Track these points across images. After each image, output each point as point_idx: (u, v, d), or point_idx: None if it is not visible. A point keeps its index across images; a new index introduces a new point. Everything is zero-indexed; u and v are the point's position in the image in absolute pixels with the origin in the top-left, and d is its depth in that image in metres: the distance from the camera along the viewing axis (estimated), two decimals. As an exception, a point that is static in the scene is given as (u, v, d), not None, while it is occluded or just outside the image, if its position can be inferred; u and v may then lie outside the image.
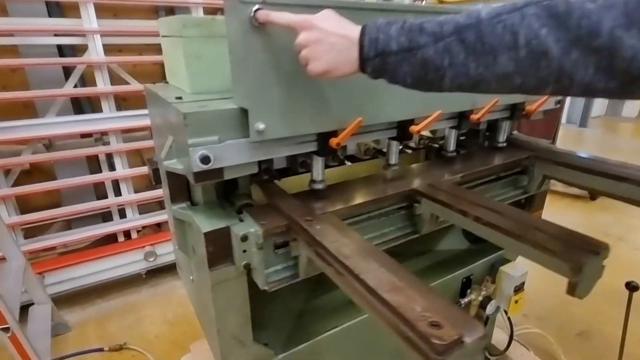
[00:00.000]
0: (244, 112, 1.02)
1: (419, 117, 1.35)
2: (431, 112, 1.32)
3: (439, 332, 0.66)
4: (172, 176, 1.17)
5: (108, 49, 2.90)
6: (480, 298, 1.89)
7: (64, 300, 3.09)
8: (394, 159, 1.44)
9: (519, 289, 1.99)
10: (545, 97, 1.64)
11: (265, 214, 1.15)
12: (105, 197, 3.22)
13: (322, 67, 0.88)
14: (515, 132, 2.06)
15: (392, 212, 1.38)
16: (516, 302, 2.03)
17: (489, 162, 1.63)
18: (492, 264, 2.00)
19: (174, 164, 1.13)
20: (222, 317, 1.16)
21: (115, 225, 3.22)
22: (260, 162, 1.12)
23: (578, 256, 0.94)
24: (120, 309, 3.11)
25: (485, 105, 1.47)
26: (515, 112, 1.65)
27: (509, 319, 2.22)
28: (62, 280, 3.04)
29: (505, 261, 2.01)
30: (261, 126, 0.99)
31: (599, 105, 9.38)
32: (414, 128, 1.29)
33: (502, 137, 1.78)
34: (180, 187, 1.20)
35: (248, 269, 1.09)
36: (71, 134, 2.93)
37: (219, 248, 1.09)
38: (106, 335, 2.84)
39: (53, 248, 3.25)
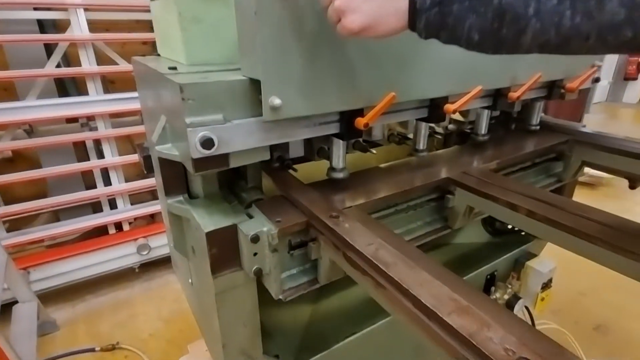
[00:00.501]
0: (255, 85, 0.82)
1: (453, 95, 1.16)
2: (468, 88, 1.13)
3: (531, 372, 0.49)
4: (166, 164, 0.97)
5: (94, 26, 2.66)
6: (507, 297, 1.73)
7: (51, 297, 2.90)
8: (422, 143, 1.25)
9: (546, 285, 1.84)
10: (588, 73, 1.45)
11: (279, 209, 0.96)
12: (95, 186, 3.00)
13: (360, 21, 0.68)
14: (542, 114, 1.88)
15: (421, 204, 1.21)
16: (542, 299, 1.88)
17: (524, 147, 1.45)
18: (516, 259, 1.85)
19: (169, 150, 0.93)
20: (228, 330, 0.99)
21: (105, 217, 3.02)
22: (272, 148, 0.93)
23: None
24: (112, 305, 2.92)
25: (525, 82, 1.28)
26: (553, 90, 1.47)
27: (531, 316, 2.07)
28: (49, 276, 2.84)
29: (530, 255, 1.86)
30: (277, 101, 0.80)
31: (601, 91, 9.23)
32: (449, 107, 1.10)
33: (535, 119, 1.59)
34: (175, 177, 1.00)
35: (259, 275, 0.91)
36: (54, 119, 2.69)
37: (225, 250, 0.90)
38: (97, 334, 2.66)
39: (40, 241, 3.05)
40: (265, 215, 0.92)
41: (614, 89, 9.65)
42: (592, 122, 7.90)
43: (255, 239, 0.86)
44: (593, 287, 2.99)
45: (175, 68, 0.92)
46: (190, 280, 1.21)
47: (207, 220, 0.91)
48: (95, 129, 2.84)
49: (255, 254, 0.89)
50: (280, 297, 0.93)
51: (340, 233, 0.80)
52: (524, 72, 1.28)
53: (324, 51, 0.84)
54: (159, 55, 1.33)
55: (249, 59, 0.82)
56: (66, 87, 3.02)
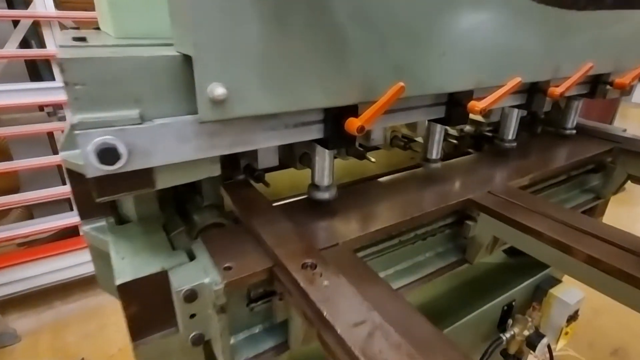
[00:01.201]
0: (190, 65, 0.53)
1: (479, 90, 0.86)
2: (500, 81, 0.84)
3: None
4: (79, 177, 0.68)
5: (61, 3, 2.36)
6: (527, 332, 1.45)
7: (15, 303, 2.64)
8: (435, 151, 0.96)
9: (572, 318, 1.56)
10: (644, 66, 1.16)
11: (235, 247, 0.67)
12: (69, 181, 2.72)
13: None
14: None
15: (432, 232, 0.92)
16: (566, 333, 1.61)
17: (560, 157, 1.16)
18: (537, 285, 1.56)
19: (75, 158, 0.64)
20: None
21: (79, 215, 2.74)
22: (236, 155, 0.64)
23: None
24: (81, 314, 2.66)
25: (568, 75, 0.99)
26: (598, 86, 1.17)
27: (550, 353, 1.79)
28: (14, 280, 2.57)
29: (554, 281, 1.57)
30: (219, 91, 0.50)
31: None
32: (476, 105, 0.81)
33: (571, 122, 1.30)
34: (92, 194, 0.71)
35: (199, 343, 0.63)
36: (18, 106, 2.40)
37: (151, 307, 0.62)
38: (62, 347, 2.40)
39: (11, 239, 2.78)
40: (211, 256, 0.63)
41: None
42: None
43: (190, 297, 0.58)
44: (608, 304, 2.72)
45: (83, 39, 0.63)
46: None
47: (125, 264, 0.62)
48: (64, 118, 2.55)
49: (192, 316, 0.60)
50: (233, 372, 0.65)
51: (314, 300, 0.51)
52: (568, 63, 0.99)
53: (298, 16, 0.55)
54: (98, 29, 1.03)
55: (179, 24, 0.52)
56: (39, 71, 2.71)
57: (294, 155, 0.86)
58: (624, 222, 3.84)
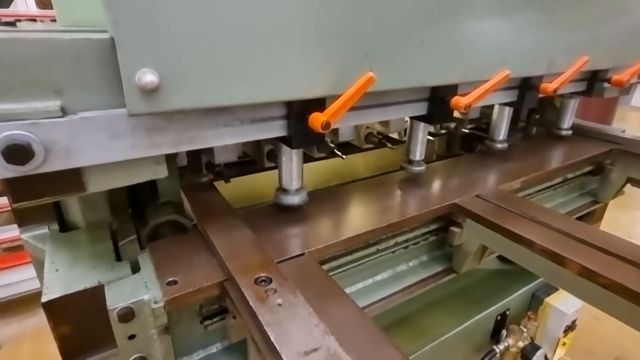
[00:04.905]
0: (119, 49, 0.46)
1: (464, 85, 0.79)
2: (488, 75, 0.77)
3: None
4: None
5: (45, 1, 2.30)
6: (522, 344, 1.37)
7: (-1, 309, 2.56)
8: (419, 152, 0.88)
9: (569, 328, 1.49)
10: (642, 62, 1.09)
11: (184, 257, 0.59)
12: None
13: None
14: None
15: (415, 239, 0.84)
16: (564, 344, 1.53)
17: (554, 159, 1.08)
18: (533, 294, 1.49)
19: None
20: None
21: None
22: (194, 153, 0.56)
23: None
24: (64, 321, 2.57)
25: (564, 71, 0.92)
26: (595, 83, 1.10)
27: (547, 360, 1.72)
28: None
29: (550, 289, 1.50)
30: (148, 78, 0.43)
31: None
32: (460, 100, 0.73)
33: (567, 122, 1.23)
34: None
35: (144, 367, 0.55)
36: None
37: (85, 326, 0.54)
38: (43, 355, 2.32)
39: (-2, 244, 2.70)
40: (155, 269, 0.56)
41: (621, 93, 9.29)
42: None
43: (126, 316, 0.50)
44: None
45: (13, 24, 0.56)
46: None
47: (56, 278, 0.54)
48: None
49: (131, 337, 0.53)
50: (182, 401, 0.57)
51: (262, 322, 0.44)
52: (563, 57, 0.91)
53: (246, -7, 0.47)
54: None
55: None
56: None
57: (261, 151, 0.79)
58: (625, 227, 3.78)
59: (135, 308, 0.51)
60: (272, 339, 0.42)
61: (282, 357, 0.40)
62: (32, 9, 2.22)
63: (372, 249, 0.77)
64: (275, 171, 0.79)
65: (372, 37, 0.60)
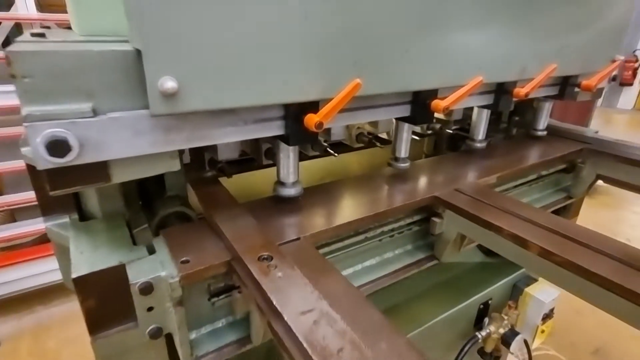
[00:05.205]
0: (142, 59, 0.54)
1: (444, 90, 0.88)
2: (464, 81, 0.86)
3: None
4: (37, 173, 0.68)
5: (44, 4, 2.36)
6: (502, 330, 1.47)
7: (-5, 308, 2.60)
8: (404, 150, 0.98)
9: (547, 316, 1.58)
10: (610, 68, 1.19)
11: (195, 241, 0.68)
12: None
13: None
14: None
15: (400, 229, 0.93)
16: (542, 331, 1.62)
17: (529, 157, 1.18)
18: (514, 284, 1.58)
19: (31, 153, 0.64)
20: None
21: (62, 219, 2.71)
22: (197, 151, 0.64)
23: None
24: (63, 318, 2.62)
25: (535, 75, 1.01)
26: (566, 88, 1.20)
27: (528, 351, 1.81)
28: (-3, 284, 2.55)
29: (530, 280, 1.59)
30: (169, 84, 0.51)
31: (596, 95, 9.08)
32: (439, 103, 0.82)
33: (542, 123, 1.33)
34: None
35: (157, 337, 0.63)
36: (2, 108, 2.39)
37: (109, 301, 0.62)
38: (42, 352, 2.37)
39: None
40: (170, 250, 0.64)
41: (609, 94, 9.51)
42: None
43: (146, 290, 0.58)
44: (590, 305, 2.75)
45: (42, 35, 0.63)
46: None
47: (83, 258, 0.62)
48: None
49: (149, 309, 0.61)
50: (193, 366, 0.65)
51: (266, 290, 0.52)
52: (534, 64, 1.01)
53: (252, 7, 0.56)
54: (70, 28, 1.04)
55: (131, 16, 0.53)
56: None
57: (260, 149, 0.87)
58: (609, 225, 3.90)
59: (154, 282, 0.59)
60: (274, 303, 0.50)
61: (284, 316, 0.48)
62: (33, 12, 2.28)
63: (361, 237, 0.85)
64: (272, 169, 0.88)
65: (360, 47, 0.69)
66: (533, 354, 2.35)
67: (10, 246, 2.92)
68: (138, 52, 0.54)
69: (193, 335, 0.68)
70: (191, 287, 0.64)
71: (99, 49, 0.53)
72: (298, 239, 0.70)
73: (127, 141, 0.56)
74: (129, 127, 0.56)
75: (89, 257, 0.63)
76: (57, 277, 2.67)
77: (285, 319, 0.47)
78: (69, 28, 1.06)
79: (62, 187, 0.55)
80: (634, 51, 8.96)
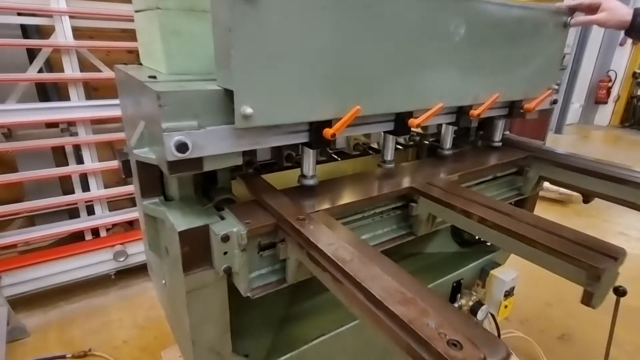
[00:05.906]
0: (228, 95, 0.89)
1: (418, 111, 1.25)
2: (431, 105, 1.22)
3: (460, 353, 0.56)
4: (143, 167, 1.03)
5: (79, 34, 2.69)
6: (471, 303, 1.81)
7: (23, 302, 2.85)
8: (389, 155, 1.34)
9: (509, 293, 1.93)
10: (544, 95, 1.57)
11: (250, 212, 1.02)
12: (72, 192, 2.99)
13: None
14: (507, 132, 2.00)
15: (387, 212, 1.28)
16: (505, 306, 1.97)
17: (486, 162, 1.55)
18: (482, 268, 1.93)
19: (146, 153, 0.99)
20: (197, 328, 1.03)
21: (82, 223, 2.99)
22: (243, 154, 0.99)
23: (597, 263, 0.86)
24: (85, 312, 2.89)
25: (485, 101, 1.39)
26: (513, 109, 1.58)
27: (496, 323, 2.16)
28: (21, 281, 2.80)
29: (495, 265, 1.95)
30: (248, 110, 0.86)
31: (573, 113, 9.64)
32: (413, 121, 1.19)
33: (497, 136, 1.70)
34: (152, 180, 1.05)
35: (229, 273, 0.96)
36: (34, 123, 2.69)
37: (196, 249, 0.95)
38: (69, 340, 2.63)
39: (14, 246, 3.00)
40: (236, 217, 0.98)
41: (585, 112, 10.10)
42: (565, 143, 8.24)
43: (225, 239, 0.92)
44: (559, 298, 3.11)
45: (154, 77, 0.98)
46: (163, 281, 1.25)
47: (180, 221, 0.96)
48: (76, 134, 2.85)
49: (225, 253, 0.94)
50: (249, 294, 0.98)
51: (305, 234, 0.86)
52: (485, 92, 1.38)
53: (293, 66, 0.92)
54: (141, 64, 1.39)
55: (223, 70, 0.89)
56: (47, 92, 3.02)
57: (281, 155, 1.22)
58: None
59: (230, 234, 0.92)
60: (311, 240, 0.84)
61: (319, 246, 0.82)
62: (70, 40, 2.61)
63: (359, 216, 1.20)
64: (290, 171, 1.22)
65: (359, 84, 1.05)
66: (505, 336, 2.73)
67: (30, 249, 3.18)
68: (225, 90, 0.89)
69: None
70: (249, 242, 0.98)
71: (203, 88, 0.88)
72: (318, 211, 1.05)
73: (215, 144, 0.90)
74: (217, 136, 0.90)
75: (183, 220, 0.97)
76: (76, 275, 2.95)
77: (319, 246, 0.81)
78: (140, 64, 1.41)
79: (177, 172, 0.89)
80: (607, 71, 9.53)
